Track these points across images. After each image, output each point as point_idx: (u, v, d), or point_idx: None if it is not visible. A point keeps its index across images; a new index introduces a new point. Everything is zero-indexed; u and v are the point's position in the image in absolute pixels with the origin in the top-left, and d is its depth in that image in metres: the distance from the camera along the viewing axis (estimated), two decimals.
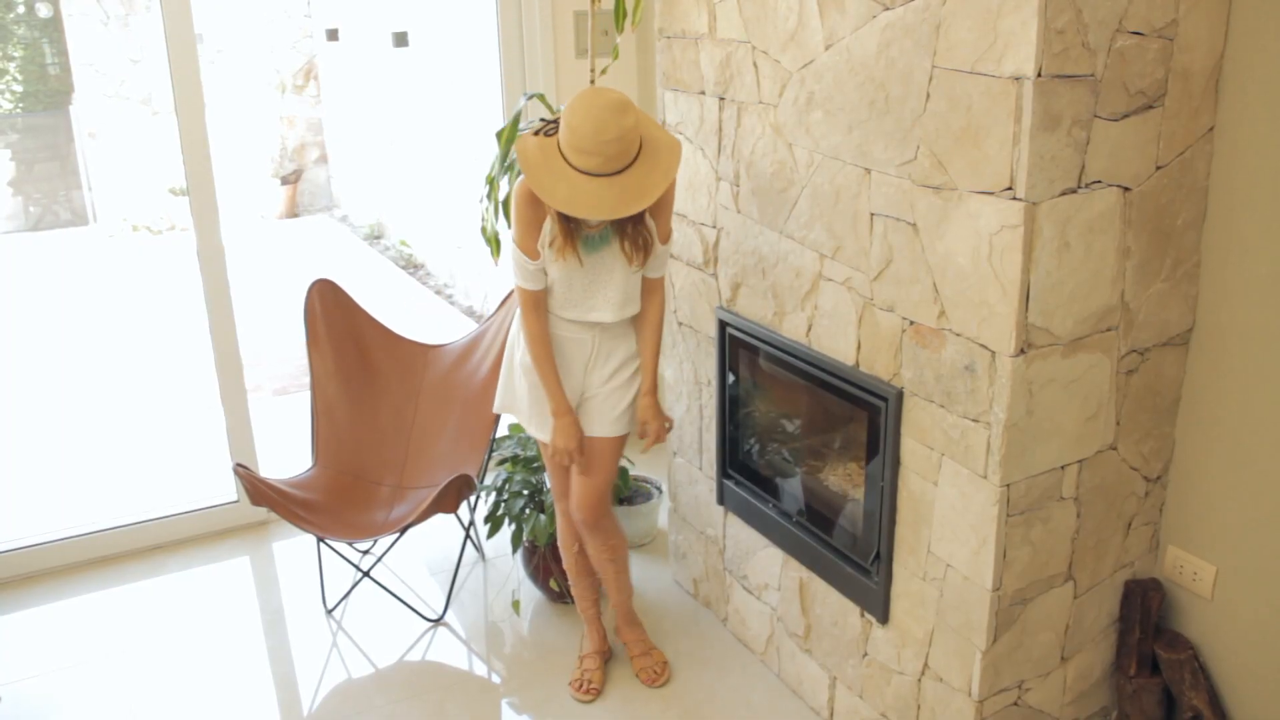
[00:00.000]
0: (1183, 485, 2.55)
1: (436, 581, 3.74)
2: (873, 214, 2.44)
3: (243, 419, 4.00)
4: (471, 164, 6.68)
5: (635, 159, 2.45)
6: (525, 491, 3.45)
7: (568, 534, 3.09)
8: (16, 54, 10.69)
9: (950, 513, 2.37)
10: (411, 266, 9.21)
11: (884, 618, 2.64)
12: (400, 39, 8.88)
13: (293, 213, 11.70)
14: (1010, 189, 2.05)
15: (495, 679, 3.23)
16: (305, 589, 3.69)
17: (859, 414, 2.66)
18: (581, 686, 3.09)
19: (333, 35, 11.06)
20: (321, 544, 3.55)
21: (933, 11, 2.16)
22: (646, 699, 3.08)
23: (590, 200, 2.42)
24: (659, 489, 3.97)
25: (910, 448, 2.45)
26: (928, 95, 2.21)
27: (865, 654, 2.75)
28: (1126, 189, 2.18)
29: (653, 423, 2.88)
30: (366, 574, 3.56)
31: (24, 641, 3.44)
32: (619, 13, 3.44)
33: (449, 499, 3.22)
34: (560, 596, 3.51)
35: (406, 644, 3.39)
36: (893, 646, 2.64)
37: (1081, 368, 2.26)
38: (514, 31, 3.96)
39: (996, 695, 2.43)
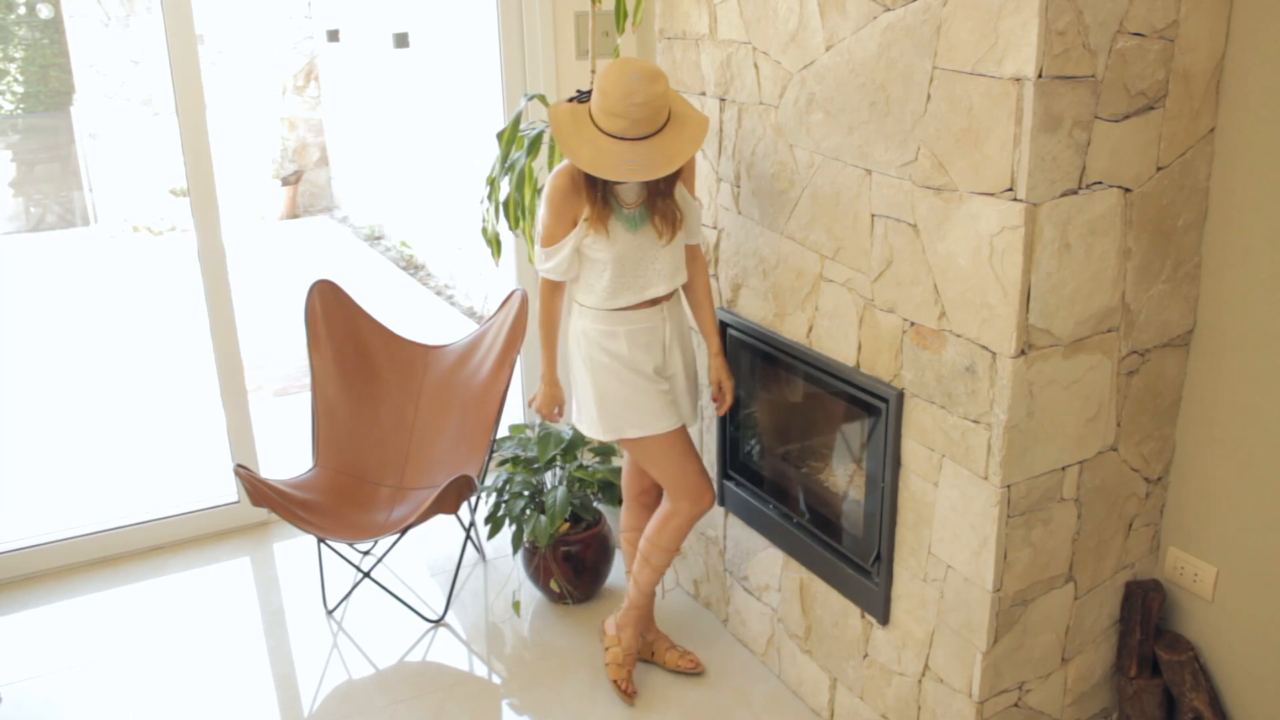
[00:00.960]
0: (1183, 486, 2.55)
1: (437, 582, 3.74)
2: (873, 215, 2.44)
3: (243, 420, 4.00)
4: (472, 165, 6.68)
5: (663, 128, 2.49)
6: (526, 492, 3.45)
7: (683, 536, 2.99)
8: (17, 55, 10.69)
9: (951, 514, 2.36)
10: (412, 267, 9.21)
11: (884, 619, 2.64)
12: (401, 40, 8.88)
13: (293, 214, 11.69)
14: (1011, 190, 2.05)
15: (496, 680, 3.23)
16: (306, 590, 3.69)
17: (859, 415, 2.66)
18: (628, 688, 3.06)
19: (333, 36, 11.06)
20: (322, 544, 3.56)
21: (933, 13, 2.16)
22: (648, 700, 3.07)
23: (613, 162, 2.46)
24: None
25: (911, 449, 2.45)
26: (928, 96, 2.21)
27: (866, 655, 2.75)
28: (1127, 190, 2.18)
29: (727, 382, 2.95)
30: (367, 575, 3.56)
31: (25, 642, 3.44)
32: (619, 14, 3.44)
33: (449, 500, 3.22)
34: (561, 597, 3.51)
35: (407, 645, 3.39)
36: (893, 647, 2.64)
37: (1082, 369, 2.26)
38: (514, 32, 3.96)
39: (997, 696, 2.43)
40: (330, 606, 3.59)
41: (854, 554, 2.73)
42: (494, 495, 3.50)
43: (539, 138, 3.32)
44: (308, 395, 3.79)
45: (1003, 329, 2.14)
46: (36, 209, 10.82)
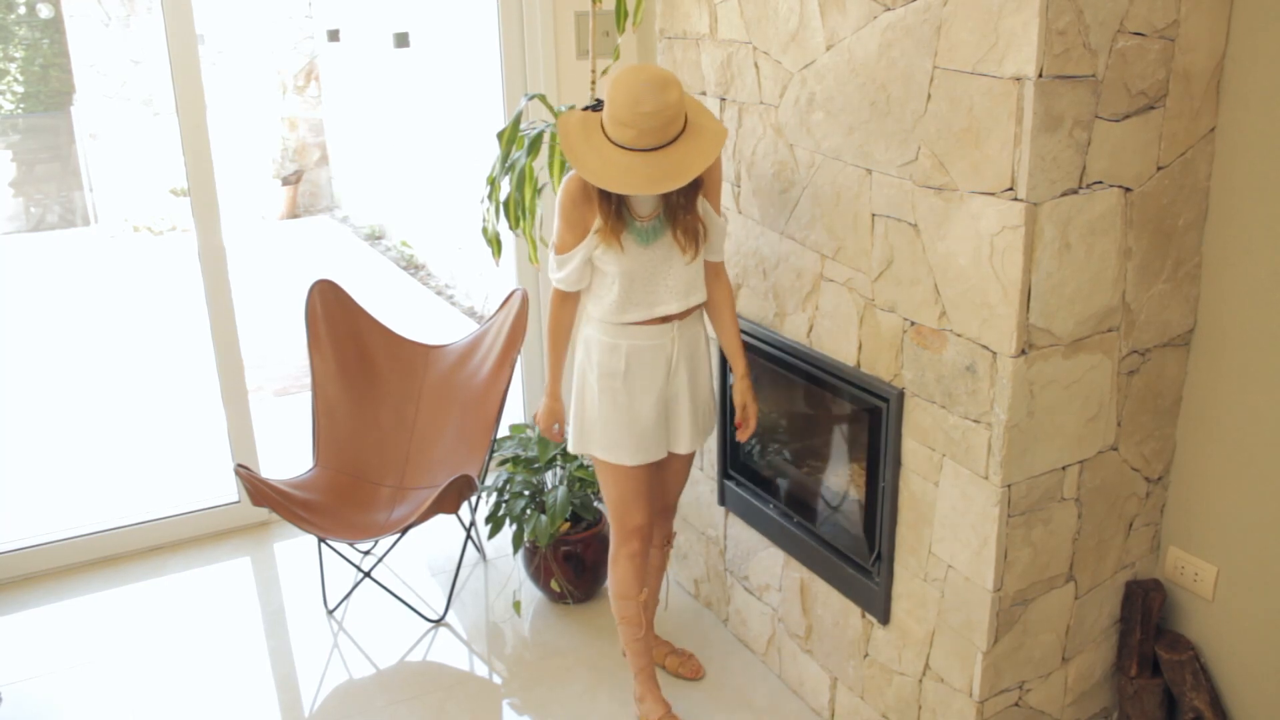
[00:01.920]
0: (1184, 486, 2.55)
1: (437, 582, 3.74)
2: (874, 215, 2.44)
3: (244, 419, 4.00)
4: (473, 165, 6.68)
5: (676, 139, 2.35)
6: (526, 492, 3.45)
7: (633, 579, 2.84)
8: (18, 55, 10.69)
9: (951, 513, 2.36)
10: (412, 267, 9.21)
11: (885, 618, 2.64)
12: (401, 40, 8.88)
13: (294, 213, 11.69)
14: (1011, 190, 2.05)
15: (496, 679, 3.23)
16: (306, 589, 3.69)
17: (860, 415, 2.66)
18: None
19: (334, 36, 11.06)
20: (322, 544, 3.56)
21: (934, 12, 2.16)
22: None
23: (619, 174, 2.33)
24: None
25: (911, 448, 2.45)
26: (929, 96, 2.21)
27: (866, 654, 2.75)
28: (1128, 190, 2.18)
29: (752, 405, 2.80)
30: (367, 574, 3.56)
31: (25, 642, 3.44)
32: (620, 13, 3.44)
33: (450, 499, 3.22)
34: (561, 597, 3.51)
35: (407, 644, 3.39)
36: (894, 647, 2.64)
37: (1082, 368, 2.26)
38: (515, 32, 3.96)
39: (997, 696, 2.43)
40: (331, 606, 3.59)
41: (854, 554, 2.73)
42: (494, 495, 3.50)
43: (539, 137, 3.32)
44: (308, 395, 3.79)
45: (1003, 328, 2.14)
46: (37, 209, 10.82)
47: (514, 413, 4.28)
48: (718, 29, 2.91)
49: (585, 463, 3.53)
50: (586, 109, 2.50)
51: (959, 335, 2.25)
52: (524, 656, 3.33)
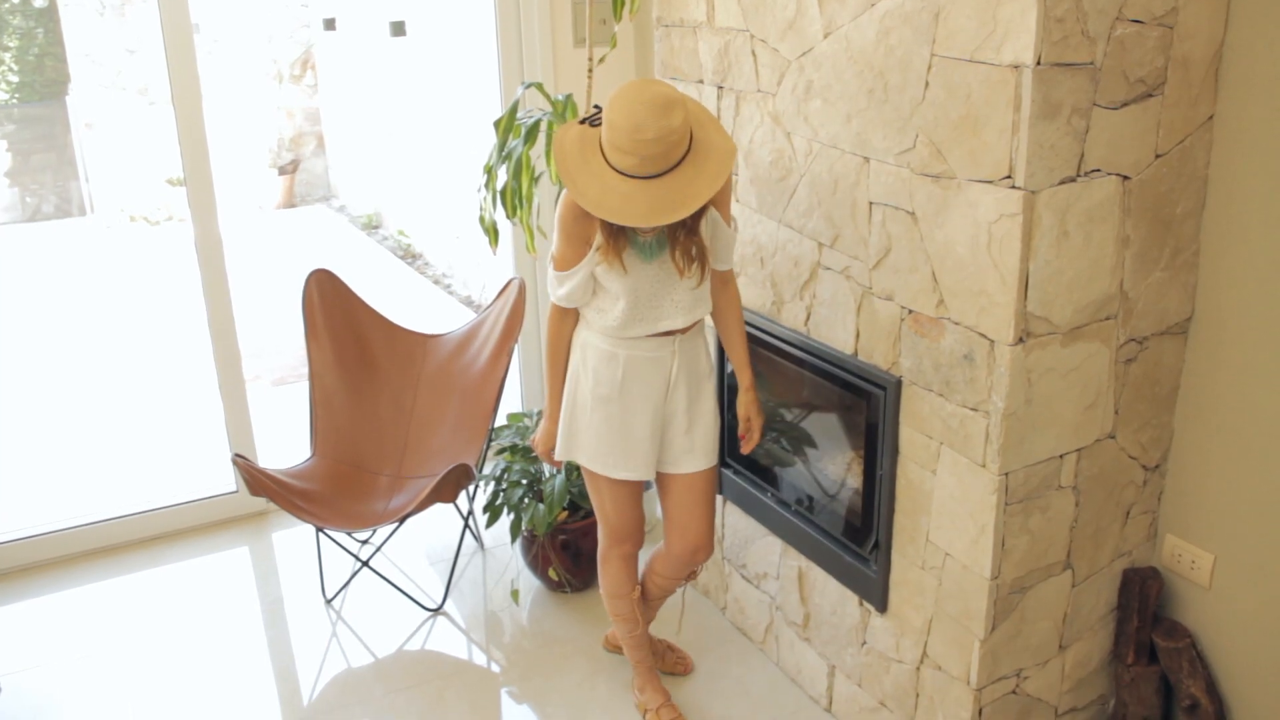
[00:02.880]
0: (1181, 474, 2.55)
1: (435, 571, 3.74)
2: (871, 203, 2.43)
3: (241, 409, 4.00)
4: (470, 153, 6.66)
5: (680, 162, 2.21)
6: (524, 481, 3.45)
7: (625, 578, 2.81)
8: (12, 44, 10.65)
9: (949, 501, 2.37)
10: (409, 256, 9.20)
11: (882, 606, 2.64)
12: (398, 28, 8.85)
13: (290, 203, 11.67)
14: (1009, 177, 2.05)
15: (494, 668, 3.24)
16: (304, 579, 3.69)
17: (857, 403, 2.66)
18: None
19: (330, 25, 11.02)
20: (320, 534, 3.56)
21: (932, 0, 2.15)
22: None
23: (620, 203, 2.20)
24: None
25: (909, 437, 2.46)
26: (926, 84, 2.21)
27: (864, 642, 2.75)
28: (1126, 178, 2.18)
29: (756, 419, 2.72)
30: (365, 564, 3.56)
31: (24, 632, 3.44)
32: (617, 1, 3.43)
33: (448, 489, 3.22)
34: (559, 585, 3.51)
35: (406, 633, 3.40)
36: (891, 635, 2.65)
37: (1080, 356, 2.26)
38: (512, 20, 3.94)
39: (995, 684, 2.44)
40: (329, 596, 3.59)
41: (852, 542, 2.74)
42: (492, 484, 3.50)
43: (536, 126, 3.31)
44: (306, 385, 3.79)
45: (1001, 317, 2.14)
46: (33, 199, 10.80)
47: (511, 402, 4.28)
48: (715, 17, 2.91)
49: None
50: (584, 121, 2.36)
51: (957, 323, 2.25)
52: (522, 645, 3.34)
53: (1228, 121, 2.27)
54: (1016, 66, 1.98)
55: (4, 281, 8.67)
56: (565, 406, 2.64)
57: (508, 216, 3.43)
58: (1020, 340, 2.14)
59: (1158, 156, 2.22)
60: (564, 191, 2.44)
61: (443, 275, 8.46)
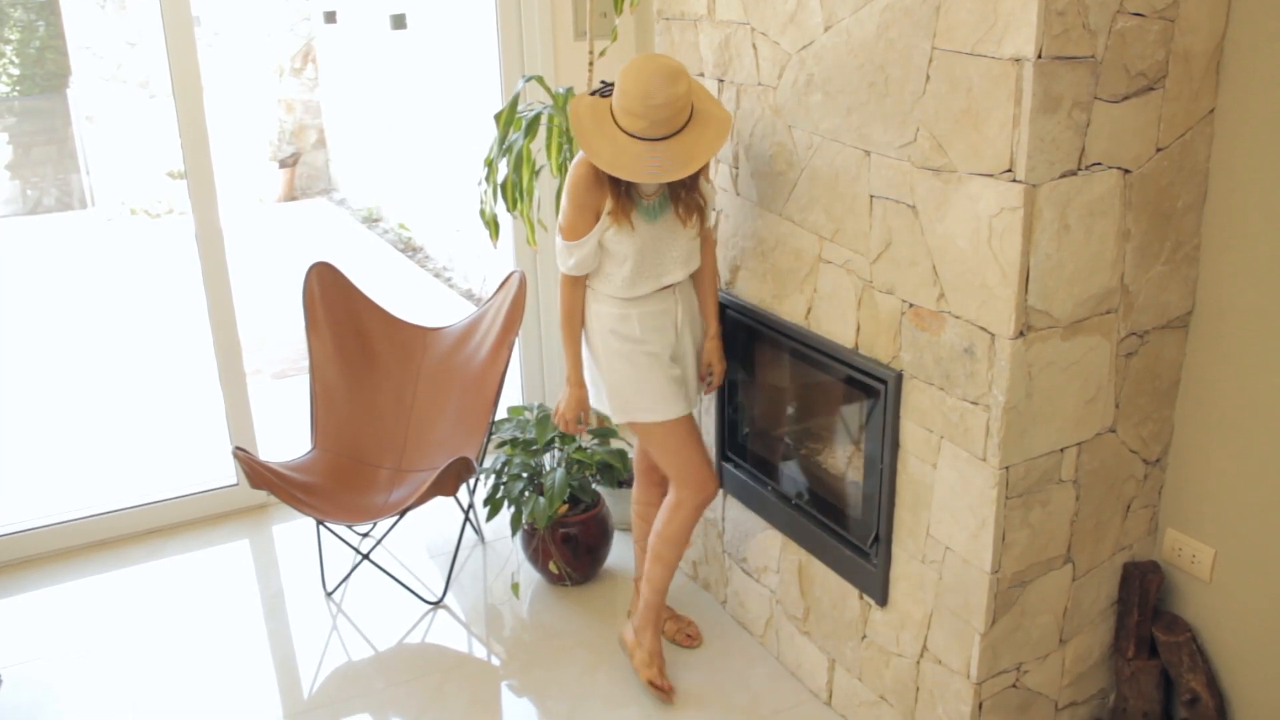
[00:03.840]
0: (1182, 468, 2.55)
1: (436, 564, 3.74)
2: (872, 196, 2.43)
3: (242, 402, 4.00)
4: (470, 147, 6.66)
5: (684, 127, 2.47)
6: (524, 474, 3.45)
7: (689, 529, 2.94)
8: (13, 37, 10.64)
9: (949, 495, 2.37)
10: (410, 249, 9.20)
11: (883, 600, 2.65)
12: (398, 21, 8.84)
13: (291, 196, 11.66)
14: (1010, 171, 2.05)
15: (495, 661, 3.24)
16: (305, 572, 3.69)
17: (858, 396, 2.66)
18: (666, 685, 3.01)
19: (330, 18, 11.01)
20: (321, 527, 3.56)
21: None
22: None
23: (632, 163, 2.45)
24: None
25: (909, 430, 2.45)
26: (927, 77, 2.20)
27: (864, 636, 2.76)
28: (1127, 171, 2.18)
29: (718, 365, 2.96)
30: (366, 557, 3.57)
31: (24, 624, 3.45)
32: None
33: (448, 482, 3.22)
34: (560, 579, 3.52)
35: (406, 626, 3.40)
36: (891, 629, 2.65)
37: (1081, 350, 2.25)
38: (512, 13, 3.94)
39: (995, 677, 2.44)
40: (329, 589, 3.59)
41: (853, 535, 2.74)
42: (493, 477, 3.50)
43: (536, 119, 3.31)
44: (306, 378, 3.79)
45: (1001, 310, 2.14)
46: (34, 192, 10.79)
47: (512, 395, 4.28)
48: (716, 10, 2.90)
49: (583, 444, 3.54)
50: (594, 94, 2.59)
51: (957, 317, 2.25)
52: (522, 638, 3.34)
53: (1229, 115, 2.26)
54: (1017, 60, 1.98)
55: (5, 274, 8.67)
56: (605, 377, 2.83)
57: (508, 210, 3.44)
58: (1021, 334, 2.14)
59: (1159, 150, 2.22)
60: (574, 164, 2.63)
61: (443, 268, 8.46)
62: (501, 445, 3.58)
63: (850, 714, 2.88)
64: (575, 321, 2.80)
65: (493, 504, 3.46)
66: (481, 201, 3.47)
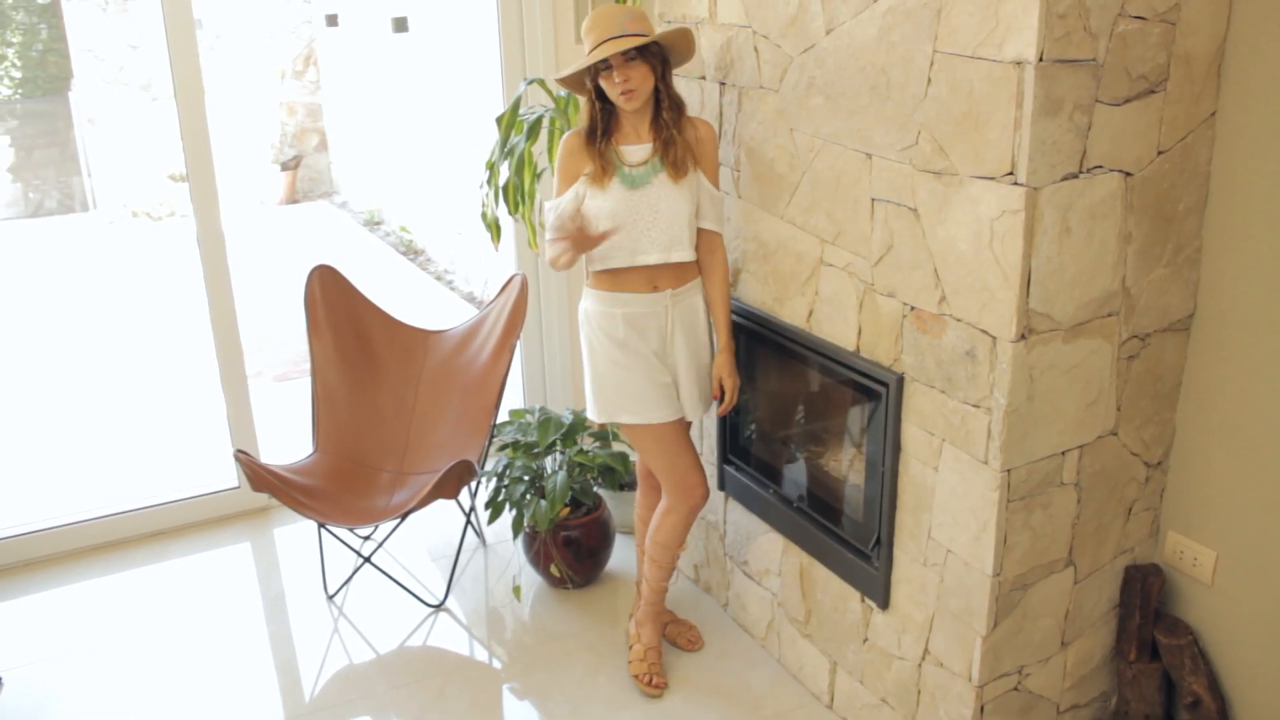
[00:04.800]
0: (1183, 471, 2.55)
1: (437, 567, 3.74)
2: (874, 199, 2.43)
3: (244, 405, 4.00)
4: (472, 150, 6.66)
5: (642, 34, 2.63)
6: (526, 477, 3.45)
7: (682, 532, 2.99)
8: (15, 40, 10.65)
9: (951, 498, 2.37)
10: (412, 252, 9.20)
11: (884, 603, 2.64)
12: (400, 24, 8.84)
13: (293, 199, 11.66)
14: (1011, 174, 2.05)
15: (496, 664, 3.24)
16: (306, 575, 3.69)
17: (860, 399, 2.66)
18: (652, 681, 3.05)
19: (332, 20, 11.01)
20: (322, 530, 3.56)
21: None
22: None
23: (602, 51, 2.60)
24: None
25: (911, 433, 2.45)
26: (929, 80, 2.20)
27: (866, 639, 2.75)
28: (1128, 174, 2.18)
29: (729, 380, 2.90)
30: (367, 560, 3.57)
31: (26, 627, 3.45)
32: None
33: (450, 485, 3.22)
34: (561, 582, 3.52)
35: (408, 629, 3.40)
36: (893, 632, 2.65)
37: (1082, 353, 2.25)
38: (514, 16, 3.94)
39: (997, 680, 2.44)
40: (331, 591, 3.59)
41: (854, 538, 2.74)
42: (494, 480, 3.50)
43: (538, 122, 3.31)
44: (308, 380, 3.79)
45: (1003, 313, 2.14)
46: (35, 194, 10.80)
47: (514, 398, 4.28)
48: (717, 13, 2.90)
49: (585, 447, 3.54)
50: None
51: (959, 320, 2.25)
52: (524, 641, 3.34)
53: (1230, 118, 2.27)
54: (1019, 63, 1.98)
55: (7, 277, 8.67)
56: (589, 376, 2.89)
57: (510, 213, 3.44)
58: (1022, 337, 2.14)
59: (1160, 153, 2.22)
60: (563, 138, 2.80)
61: (445, 271, 8.46)
62: (503, 448, 3.58)
63: (852, 717, 2.88)
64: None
65: (494, 507, 3.46)
66: (483, 204, 3.47)
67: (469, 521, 3.77)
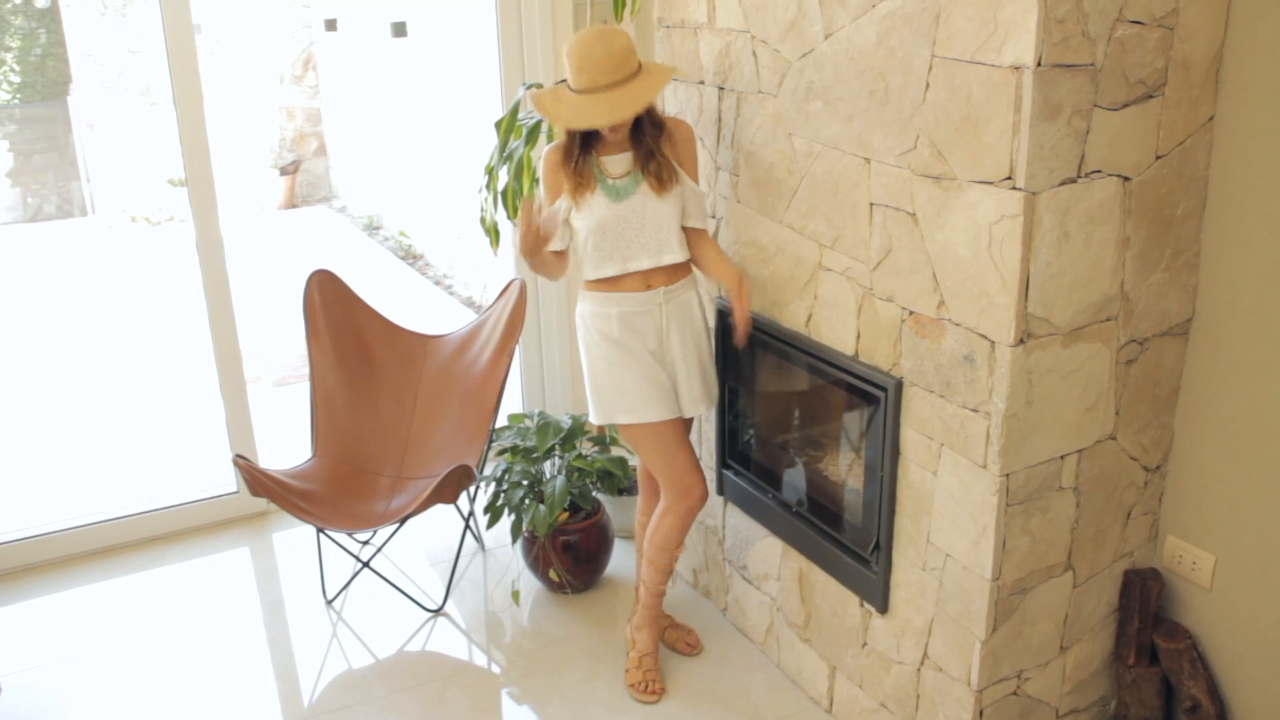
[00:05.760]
0: (1182, 475, 2.55)
1: (436, 572, 3.74)
2: (872, 204, 2.43)
3: (242, 410, 4.00)
4: (471, 154, 6.67)
5: (631, 79, 2.62)
6: (525, 482, 3.45)
7: (678, 534, 2.97)
8: (14, 44, 10.66)
9: (950, 502, 2.37)
10: (411, 257, 9.20)
11: (883, 607, 2.64)
12: (399, 29, 8.86)
13: (291, 203, 11.68)
14: (1010, 179, 2.05)
15: (495, 669, 3.24)
16: (305, 580, 3.69)
17: (858, 404, 2.66)
18: (648, 688, 3.05)
19: (331, 25, 11.03)
20: (321, 534, 3.56)
21: (932, 1, 2.15)
22: None
23: (584, 111, 2.62)
24: None
25: (910, 437, 2.45)
26: (927, 85, 2.21)
27: (865, 644, 2.75)
28: (1126, 179, 2.18)
29: (744, 278, 2.82)
30: (366, 564, 3.56)
31: (25, 632, 3.45)
32: (618, 2, 3.44)
33: (449, 489, 3.22)
34: (560, 587, 3.51)
35: (406, 634, 3.40)
36: (892, 636, 2.65)
37: (1081, 358, 2.26)
38: (513, 21, 3.95)
39: (996, 685, 2.44)
40: (330, 596, 3.59)
41: (853, 543, 2.73)
42: (493, 485, 3.50)
43: (537, 127, 3.31)
44: (307, 385, 3.79)
45: (1001, 318, 2.14)
46: (34, 199, 10.81)
47: (512, 402, 4.28)
48: (716, 18, 2.91)
49: (584, 452, 3.54)
50: (559, 83, 2.76)
51: (957, 324, 2.25)
52: (523, 645, 3.34)
53: (1228, 123, 2.27)
54: (1017, 68, 1.98)
55: (5, 282, 8.67)
56: (588, 378, 2.91)
57: (509, 217, 3.44)
58: (1021, 341, 2.14)
59: (1158, 158, 2.22)
60: (545, 151, 2.82)
61: (444, 276, 8.47)
62: (502, 453, 3.58)
63: None
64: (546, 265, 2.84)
65: (493, 511, 3.45)
66: (482, 209, 3.47)
67: (468, 526, 3.77)
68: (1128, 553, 2.58)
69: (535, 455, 3.50)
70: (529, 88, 3.46)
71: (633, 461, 3.86)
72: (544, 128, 3.34)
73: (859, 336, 2.56)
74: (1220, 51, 2.23)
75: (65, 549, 3.85)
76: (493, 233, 3.48)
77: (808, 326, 2.75)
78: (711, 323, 3.12)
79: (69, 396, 5.99)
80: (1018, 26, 1.96)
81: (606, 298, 2.81)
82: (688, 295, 2.88)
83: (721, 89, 2.94)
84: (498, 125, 3.36)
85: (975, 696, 2.42)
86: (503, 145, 3.34)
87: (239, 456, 3.35)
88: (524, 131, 3.31)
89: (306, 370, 3.80)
